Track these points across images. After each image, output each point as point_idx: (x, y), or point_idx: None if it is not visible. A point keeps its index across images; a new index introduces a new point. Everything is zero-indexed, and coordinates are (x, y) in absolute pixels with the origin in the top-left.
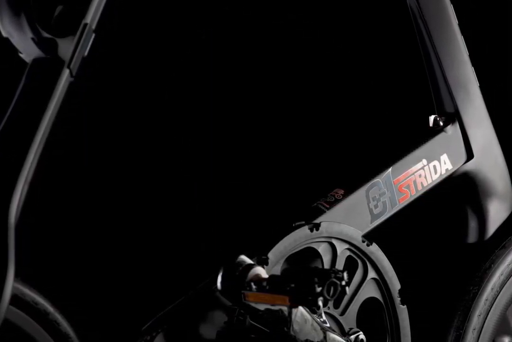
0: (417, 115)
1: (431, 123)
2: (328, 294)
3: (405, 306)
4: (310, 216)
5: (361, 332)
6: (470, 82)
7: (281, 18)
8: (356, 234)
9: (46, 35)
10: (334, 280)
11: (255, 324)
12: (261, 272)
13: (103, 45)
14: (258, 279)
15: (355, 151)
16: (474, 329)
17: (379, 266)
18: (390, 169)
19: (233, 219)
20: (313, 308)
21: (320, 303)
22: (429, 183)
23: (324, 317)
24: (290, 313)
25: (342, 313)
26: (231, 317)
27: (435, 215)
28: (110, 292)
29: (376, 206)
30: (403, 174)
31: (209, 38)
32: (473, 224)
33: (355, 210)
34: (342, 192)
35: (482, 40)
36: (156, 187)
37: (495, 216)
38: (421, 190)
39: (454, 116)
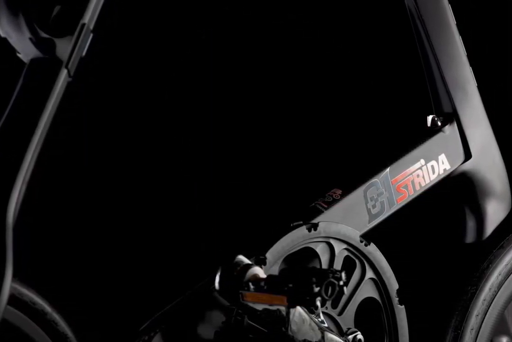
0: (415, 115)
1: (429, 123)
2: (326, 294)
3: (403, 306)
4: (308, 216)
5: (359, 332)
6: (468, 82)
7: (281, 18)
8: (354, 234)
9: (44, 35)
10: (332, 280)
11: (253, 324)
12: (259, 272)
13: (101, 45)
14: (256, 279)
15: (353, 151)
16: (472, 329)
17: (377, 266)
18: (388, 169)
19: (232, 218)
20: (311, 308)
21: (318, 303)
22: (427, 183)
23: (322, 317)
24: (288, 313)
25: (340, 313)
26: (229, 317)
27: (433, 215)
28: (108, 292)
29: (374, 206)
30: (401, 174)
31: (209, 38)
32: (471, 224)
33: (353, 210)
34: (340, 192)
35: (481, 40)
36: (156, 187)
37: (493, 216)
38: (419, 190)
39: (452, 116)
